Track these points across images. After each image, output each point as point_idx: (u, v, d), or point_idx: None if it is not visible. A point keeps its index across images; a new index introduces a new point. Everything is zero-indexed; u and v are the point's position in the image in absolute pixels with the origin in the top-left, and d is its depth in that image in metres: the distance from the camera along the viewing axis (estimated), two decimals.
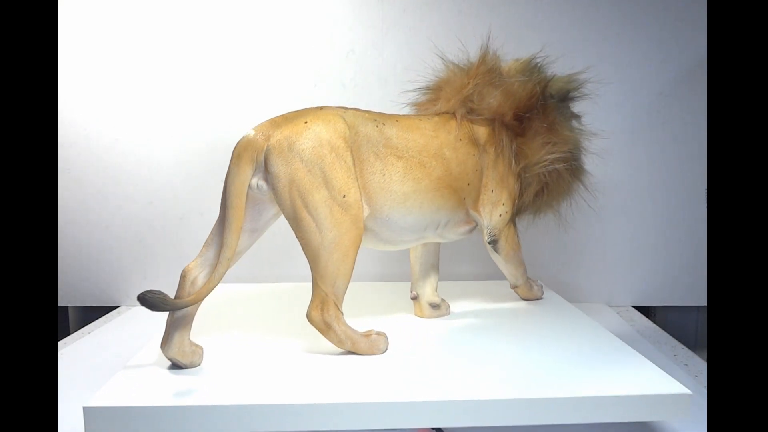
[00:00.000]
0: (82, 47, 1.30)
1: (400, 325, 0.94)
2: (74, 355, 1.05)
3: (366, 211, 0.79)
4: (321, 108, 0.80)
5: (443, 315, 0.98)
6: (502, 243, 0.94)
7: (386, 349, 0.80)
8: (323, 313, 0.75)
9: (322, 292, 0.75)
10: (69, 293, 1.37)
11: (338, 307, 0.76)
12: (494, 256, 0.97)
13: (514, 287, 1.06)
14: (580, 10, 1.27)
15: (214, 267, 0.72)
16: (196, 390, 0.68)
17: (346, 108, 0.82)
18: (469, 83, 0.91)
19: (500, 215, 0.92)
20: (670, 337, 1.15)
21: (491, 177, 0.90)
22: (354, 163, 0.77)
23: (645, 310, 1.36)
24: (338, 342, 0.76)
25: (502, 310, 1.03)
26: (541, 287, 1.10)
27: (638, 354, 0.80)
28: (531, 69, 0.94)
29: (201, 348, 0.77)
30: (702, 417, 0.80)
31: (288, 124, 0.75)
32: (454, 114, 0.90)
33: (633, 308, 1.34)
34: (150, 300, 0.65)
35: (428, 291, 0.98)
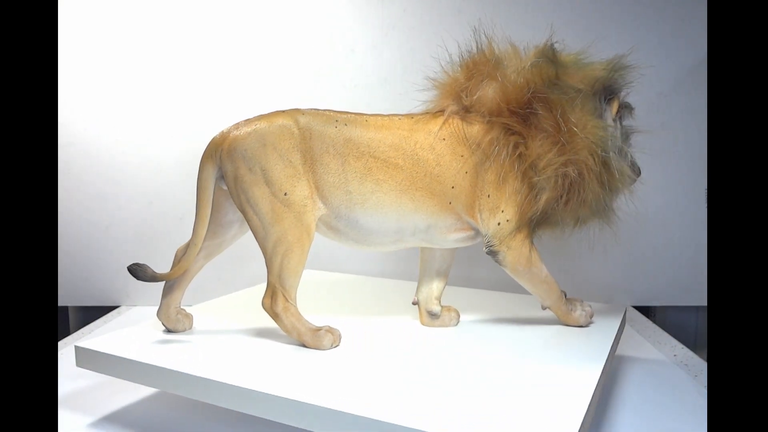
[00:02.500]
0: (82, 48, 1.30)
1: (393, 328, 0.89)
2: (74, 355, 1.05)
3: (322, 210, 0.81)
4: (283, 111, 0.83)
5: (445, 325, 0.90)
6: (504, 255, 0.83)
7: (332, 346, 0.80)
8: (272, 303, 0.80)
9: (272, 284, 0.80)
10: (69, 293, 1.37)
11: (287, 299, 0.80)
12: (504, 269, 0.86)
13: (545, 308, 0.91)
14: (580, 10, 1.27)
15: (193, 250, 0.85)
16: (169, 354, 0.78)
17: (311, 110, 0.83)
18: (459, 78, 0.85)
19: (499, 223, 0.82)
20: (670, 337, 1.15)
21: (487, 180, 0.81)
22: (304, 162, 0.79)
23: (645, 310, 1.36)
24: (286, 331, 0.81)
25: (513, 325, 0.90)
26: (588, 314, 0.90)
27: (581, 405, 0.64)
28: (540, 57, 0.83)
29: (189, 317, 0.89)
30: (702, 417, 0.80)
31: (243, 127, 0.81)
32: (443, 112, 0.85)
33: (633, 308, 1.34)
34: (133, 270, 0.81)
35: (426, 297, 0.92)
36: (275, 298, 0.80)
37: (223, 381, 0.69)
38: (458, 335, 0.87)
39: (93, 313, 1.37)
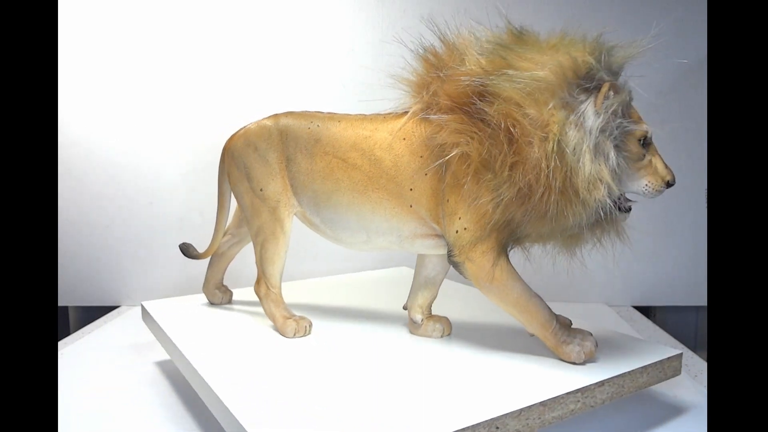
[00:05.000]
0: (82, 48, 1.30)
1: (380, 331, 0.87)
2: (74, 355, 1.05)
3: (296, 206, 0.85)
4: (276, 114, 0.87)
5: (427, 335, 0.84)
6: (465, 268, 0.73)
7: (295, 336, 0.83)
8: (258, 288, 0.88)
9: (258, 271, 0.87)
10: (69, 293, 1.37)
11: (268, 286, 0.87)
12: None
13: (532, 335, 0.79)
14: (580, 10, 1.27)
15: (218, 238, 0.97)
16: (200, 341, 0.83)
17: (299, 112, 0.86)
18: (423, 74, 0.80)
19: (457, 231, 0.73)
20: (670, 337, 1.15)
21: (447, 183, 0.73)
22: (280, 161, 0.84)
23: (645, 310, 1.36)
24: (266, 314, 0.88)
25: (505, 334, 0.84)
26: (586, 351, 0.72)
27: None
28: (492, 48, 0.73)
29: (227, 293, 1.01)
30: (702, 417, 0.80)
31: (240, 130, 0.89)
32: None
33: (633, 308, 1.34)
34: (181, 247, 0.99)
35: (411, 304, 0.86)
36: (260, 283, 0.87)
37: (195, 367, 0.73)
38: (442, 342, 0.83)
39: (93, 313, 1.37)
